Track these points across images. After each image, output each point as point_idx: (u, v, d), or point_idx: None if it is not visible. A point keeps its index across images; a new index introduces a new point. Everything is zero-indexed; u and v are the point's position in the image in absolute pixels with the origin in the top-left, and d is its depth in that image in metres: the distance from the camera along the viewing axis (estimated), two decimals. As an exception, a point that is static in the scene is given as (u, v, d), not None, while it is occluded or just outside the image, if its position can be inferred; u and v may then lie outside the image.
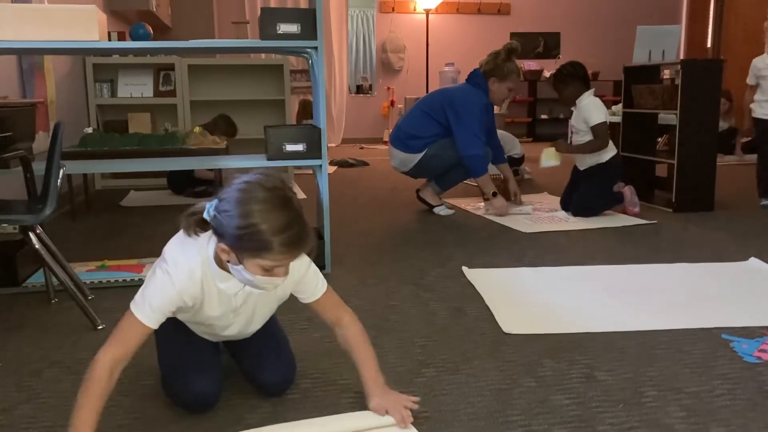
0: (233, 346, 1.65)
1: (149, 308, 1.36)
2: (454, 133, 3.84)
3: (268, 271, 1.31)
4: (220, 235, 1.31)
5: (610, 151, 3.86)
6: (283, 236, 1.26)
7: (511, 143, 5.24)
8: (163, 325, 1.40)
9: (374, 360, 1.53)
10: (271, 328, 1.66)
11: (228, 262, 1.35)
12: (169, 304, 1.38)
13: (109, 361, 1.32)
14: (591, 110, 3.78)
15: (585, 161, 3.89)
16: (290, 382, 1.62)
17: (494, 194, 3.89)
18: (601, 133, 3.77)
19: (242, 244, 1.27)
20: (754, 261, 2.80)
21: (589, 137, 3.81)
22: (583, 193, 3.86)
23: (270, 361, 1.59)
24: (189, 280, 1.38)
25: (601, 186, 3.84)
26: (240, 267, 1.32)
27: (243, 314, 1.52)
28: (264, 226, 1.25)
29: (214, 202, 1.32)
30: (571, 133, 4.03)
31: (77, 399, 1.29)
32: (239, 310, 1.50)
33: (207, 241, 1.39)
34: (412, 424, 1.46)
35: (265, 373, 1.58)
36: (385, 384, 1.50)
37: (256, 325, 1.59)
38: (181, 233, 1.42)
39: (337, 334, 1.57)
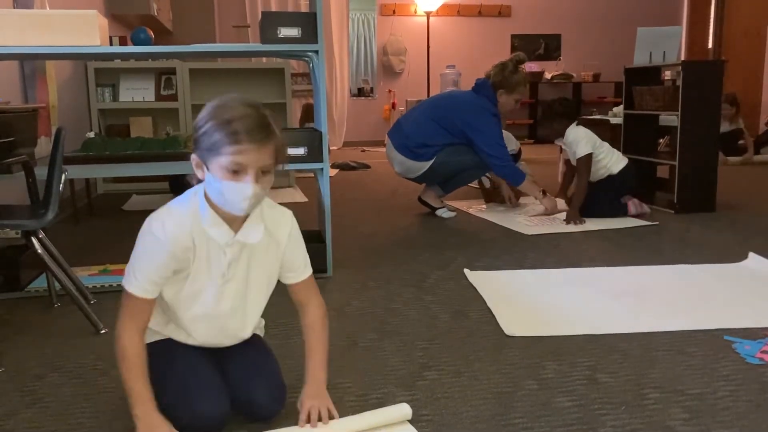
0: (224, 364, 1.56)
1: (137, 279, 1.38)
2: (478, 147, 3.82)
3: (234, 174, 1.31)
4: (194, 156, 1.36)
5: (620, 162, 3.87)
6: (234, 124, 1.28)
7: (507, 140, 5.16)
8: (158, 351, 1.40)
9: (322, 352, 1.52)
10: (262, 352, 1.59)
11: (203, 179, 1.37)
12: (158, 268, 1.38)
13: (131, 335, 1.38)
14: (577, 144, 3.83)
15: (597, 175, 3.89)
16: (281, 403, 1.53)
17: (544, 193, 3.87)
18: (583, 165, 3.80)
19: (202, 144, 1.32)
20: (752, 256, 2.79)
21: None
22: (590, 196, 3.86)
23: (257, 383, 1.50)
24: (179, 230, 1.38)
25: (609, 194, 3.83)
26: (210, 176, 1.34)
27: (234, 281, 1.46)
28: (217, 118, 1.29)
29: None
30: (564, 168, 4.08)
31: (125, 379, 1.37)
32: (229, 274, 1.45)
33: (198, 189, 1.41)
34: (413, 425, 1.46)
35: (242, 391, 1.49)
36: (325, 383, 1.50)
37: (252, 310, 1.53)
38: (164, 206, 1.45)
39: (301, 312, 1.57)
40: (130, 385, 1.37)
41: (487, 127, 3.82)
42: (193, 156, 1.36)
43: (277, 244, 1.49)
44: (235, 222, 1.42)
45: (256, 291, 1.53)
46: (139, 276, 1.38)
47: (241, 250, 1.46)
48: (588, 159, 3.80)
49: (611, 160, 3.85)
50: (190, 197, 1.43)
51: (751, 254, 2.83)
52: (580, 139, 3.83)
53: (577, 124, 3.92)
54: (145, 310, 1.41)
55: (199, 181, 1.40)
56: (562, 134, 3.94)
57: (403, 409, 1.50)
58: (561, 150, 4.06)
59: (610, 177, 3.84)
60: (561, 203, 4.00)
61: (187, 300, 1.47)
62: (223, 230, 1.41)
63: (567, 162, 4.13)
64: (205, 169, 1.35)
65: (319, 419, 1.42)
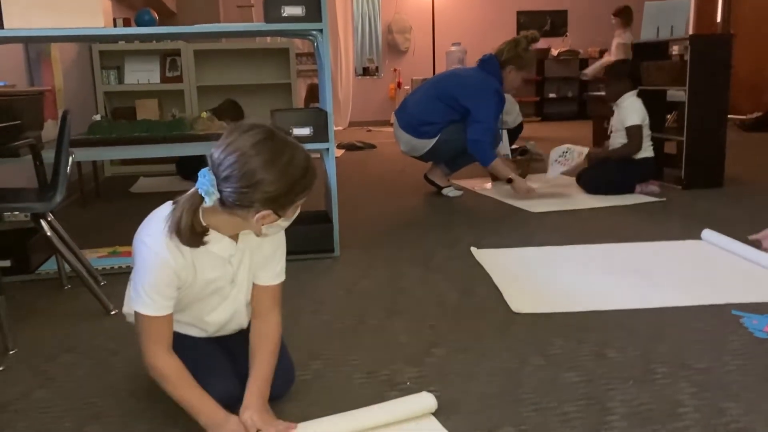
0: (231, 350, 1.58)
1: (153, 301, 1.33)
2: (469, 120, 3.79)
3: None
4: (245, 206, 1.27)
5: (645, 152, 3.84)
6: (308, 176, 1.30)
7: (511, 108, 4.99)
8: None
9: (269, 371, 1.43)
10: None
11: (263, 225, 1.32)
12: (169, 285, 1.34)
13: (163, 358, 1.35)
14: (629, 112, 3.80)
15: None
16: (290, 383, 1.55)
17: (509, 181, 3.77)
18: (635, 135, 3.78)
19: (287, 198, 1.29)
20: (706, 233, 2.80)
21: (624, 138, 3.82)
22: (602, 173, 3.86)
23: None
24: (177, 251, 1.33)
25: (620, 175, 3.81)
26: (279, 221, 1.32)
27: (239, 284, 1.47)
28: (290, 175, 1.27)
29: (211, 180, 1.26)
30: (610, 132, 4.01)
31: (176, 397, 1.35)
32: (237, 279, 1.46)
33: (184, 204, 1.31)
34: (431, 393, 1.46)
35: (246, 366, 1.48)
36: (267, 404, 1.39)
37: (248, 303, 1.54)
38: (144, 222, 1.38)
39: (253, 325, 1.49)
40: (184, 401, 1.34)
41: (484, 105, 3.79)
42: (265, 212, 1.28)
43: (268, 240, 1.45)
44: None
45: (249, 287, 1.52)
46: (153, 296, 1.33)
47: (242, 255, 1.45)
48: (638, 130, 3.77)
49: (641, 146, 3.82)
50: (165, 213, 1.34)
51: (705, 231, 2.82)
52: (635, 109, 3.79)
53: (637, 96, 3.86)
54: (167, 327, 1.37)
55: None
56: (619, 96, 3.85)
57: (427, 401, 1.45)
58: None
59: (630, 161, 3.82)
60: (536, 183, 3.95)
61: (193, 307, 1.47)
62: (225, 243, 1.39)
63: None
64: (275, 217, 1.31)
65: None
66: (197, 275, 1.40)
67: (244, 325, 1.57)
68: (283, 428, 1.33)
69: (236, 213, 1.30)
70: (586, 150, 3.87)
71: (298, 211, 1.36)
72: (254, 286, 1.50)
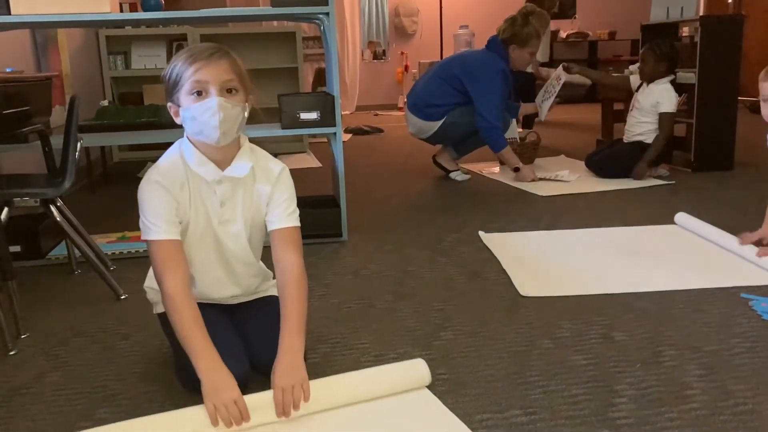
0: (242, 326, 1.60)
1: (154, 225, 1.40)
2: (474, 104, 3.79)
3: (199, 96, 1.38)
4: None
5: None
6: (189, 51, 1.40)
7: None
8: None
9: (298, 317, 1.41)
10: (278, 313, 1.56)
11: (178, 120, 1.43)
12: (167, 207, 1.42)
13: (175, 285, 1.38)
14: (666, 97, 3.73)
15: (632, 136, 3.85)
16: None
17: (516, 169, 3.82)
18: (667, 123, 3.73)
19: (170, 84, 1.41)
20: (680, 217, 2.79)
21: (647, 118, 3.76)
22: (613, 155, 3.84)
23: (266, 339, 1.50)
24: (171, 166, 1.45)
25: (632, 159, 3.78)
26: (182, 110, 1.40)
27: (232, 223, 1.50)
28: (177, 60, 1.40)
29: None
30: (632, 108, 3.95)
31: (180, 333, 1.35)
32: (224, 215, 1.48)
33: (182, 138, 1.50)
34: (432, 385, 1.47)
35: (260, 350, 1.51)
36: (301, 353, 1.38)
37: (257, 257, 1.59)
38: None
39: (276, 271, 1.48)
40: (187, 340, 1.34)
41: (487, 87, 3.77)
42: (169, 104, 1.44)
43: (267, 181, 1.50)
44: (224, 162, 1.46)
45: (258, 237, 1.57)
46: (154, 221, 1.41)
47: (233, 189, 1.49)
48: (672, 117, 3.73)
49: (655, 130, 3.79)
50: (176, 146, 1.49)
51: (679, 215, 2.81)
52: (671, 97, 3.74)
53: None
54: (178, 254, 1.41)
55: None
56: (655, 78, 3.77)
57: (420, 371, 1.46)
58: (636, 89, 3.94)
59: (641, 144, 3.79)
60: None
61: (190, 249, 1.50)
62: (210, 168, 1.45)
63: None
64: (177, 108, 1.42)
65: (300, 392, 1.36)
66: (191, 204, 1.45)
67: (254, 283, 1.63)
68: (288, 400, 1.32)
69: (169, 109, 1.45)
70: (557, 72, 4.16)
71: (207, 104, 1.37)
72: (270, 234, 1.52)
